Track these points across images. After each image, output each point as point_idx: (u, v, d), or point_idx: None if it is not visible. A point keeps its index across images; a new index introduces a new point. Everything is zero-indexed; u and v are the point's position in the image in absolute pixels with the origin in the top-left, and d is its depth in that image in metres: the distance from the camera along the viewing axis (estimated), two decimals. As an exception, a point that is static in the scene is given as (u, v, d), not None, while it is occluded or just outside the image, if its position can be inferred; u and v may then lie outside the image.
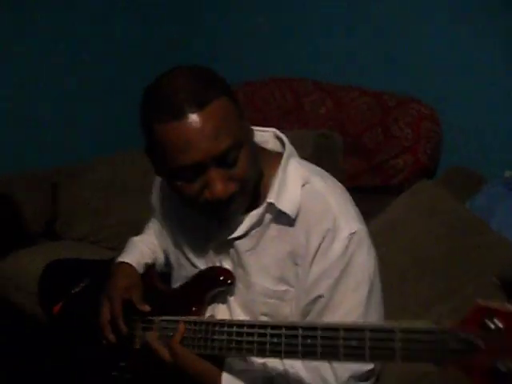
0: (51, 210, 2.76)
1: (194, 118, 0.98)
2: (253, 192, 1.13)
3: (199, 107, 0.98)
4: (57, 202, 2.75)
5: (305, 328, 0.94)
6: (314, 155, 2.17)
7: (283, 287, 1.14)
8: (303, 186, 1.13)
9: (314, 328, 0.92)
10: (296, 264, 1.13)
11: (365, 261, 1.11)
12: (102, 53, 3.15)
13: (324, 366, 1.10)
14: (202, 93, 1.00)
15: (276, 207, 1.12)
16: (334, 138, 2.36)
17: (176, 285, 1.30)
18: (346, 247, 1.09)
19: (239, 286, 1.18)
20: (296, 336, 0.94)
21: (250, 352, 1.02)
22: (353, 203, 1.16)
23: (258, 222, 1.14)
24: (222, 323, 1.07)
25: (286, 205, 1.11)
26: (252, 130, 1.14)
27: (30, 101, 2.91)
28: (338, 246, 1.09)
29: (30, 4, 2.87)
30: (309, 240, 1.10)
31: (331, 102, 2.55)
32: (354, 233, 1.09)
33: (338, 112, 2.51)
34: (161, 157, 1.05)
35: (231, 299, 1.20)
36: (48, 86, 2.97)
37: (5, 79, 2.83)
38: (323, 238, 1.09)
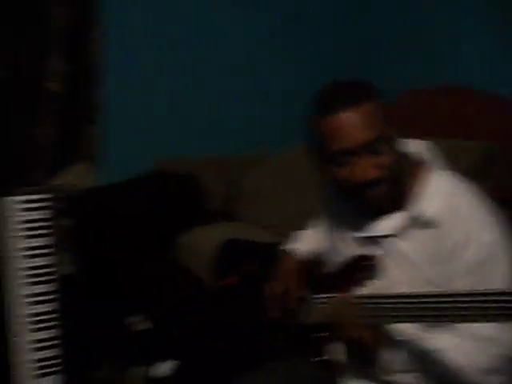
0: (231, 192, 3.07)
1: (347, 114, 1.25)
2: (399, 194, 1.32)
3: (352, 106, 1.25)
4: (238, 186, 3.04)
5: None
6: (478, 166, 2.20)
7: (422, 282, 1.29)
8: (447, 195, 1.30)
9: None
10: (435, 265, 1.29)
11: (500, 270, 1.25)
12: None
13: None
14: (356, 97, 1.27)
15: (420, 213, 1.30)
16: (500, 151, 2.36)
17: (331, 269, 1.50)
18: (479, 255, 1.25)
19: (384, 275, 1.36)
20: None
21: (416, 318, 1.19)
22: (492, 215, 1.29)
23: (403, 224, 1.32)
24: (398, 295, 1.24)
25: (430, 211, 1.29)
26: (391, 131, 1.31)
27: (219, 94, 3.23)
28: (471, 254, 1.25)
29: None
30: (447, 245, 1.27)
31: (500, 116, 2.55)
32: (486, 242, 1.25)
33: (507, 125, 2.51)
34: (320, 145, 1.31)
35: (377, 283, 1.37)
36: (241, 81, 3.28)
37: (208, 73, 3.20)
38: (460, 245, 1.26)
